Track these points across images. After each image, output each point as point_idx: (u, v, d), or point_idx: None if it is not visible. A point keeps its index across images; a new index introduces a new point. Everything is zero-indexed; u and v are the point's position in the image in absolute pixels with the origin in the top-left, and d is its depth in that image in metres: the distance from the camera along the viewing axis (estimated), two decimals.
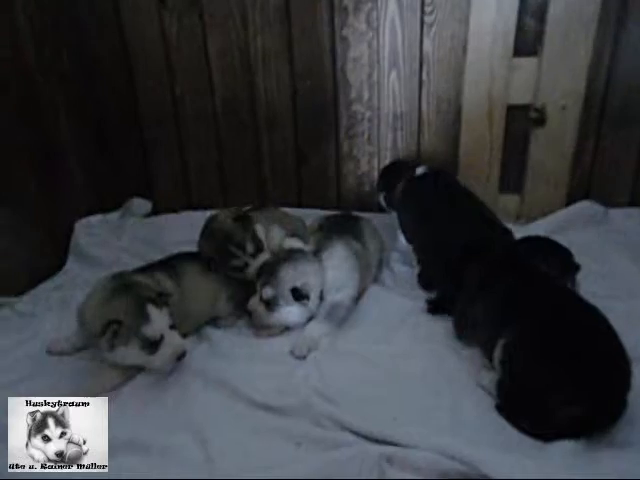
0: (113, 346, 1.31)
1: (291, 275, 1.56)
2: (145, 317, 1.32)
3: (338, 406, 1.27)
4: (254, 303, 1.59)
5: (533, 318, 1.26)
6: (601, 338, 1.18)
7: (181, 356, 1.38)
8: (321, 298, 1.62)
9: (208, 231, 1.71)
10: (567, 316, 1.23)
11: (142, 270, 1.56)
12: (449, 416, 1.25)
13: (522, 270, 1.42)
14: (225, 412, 1.30)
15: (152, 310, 1.33)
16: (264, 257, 1.66)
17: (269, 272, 1.58)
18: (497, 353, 1.26)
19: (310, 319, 1.62)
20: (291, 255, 1.63)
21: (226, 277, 1.68)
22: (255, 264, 1.65)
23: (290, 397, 1.30)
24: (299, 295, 1.56)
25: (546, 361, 1.16)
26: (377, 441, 1.16)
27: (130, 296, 1.35)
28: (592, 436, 1.11)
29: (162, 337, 1.34)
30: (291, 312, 1.58)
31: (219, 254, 1.65)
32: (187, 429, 1.24)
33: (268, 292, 1.56)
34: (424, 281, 1.81)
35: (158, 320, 1.34)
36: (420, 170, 1.96)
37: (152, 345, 1.33)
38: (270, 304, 1.56)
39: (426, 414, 1.26)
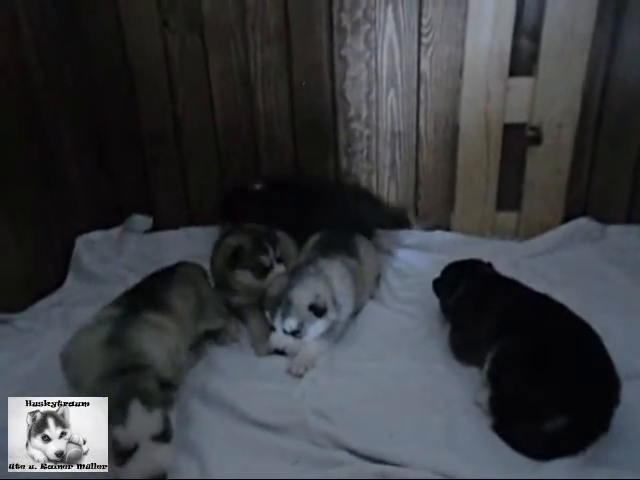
0: None
1: (304, 295, 1.54)
2: (121, 416, 1.06)
3: (334, 424, 1.27)
4: (279, 341, 1.56)
5: (519, 331, 1.28)
6: (588, 351, 1.20)
7: None
8: (335, 303, 1.60)
9: (238, 230, 1.79)
10: (553, 329, 1.25)
11: (124, 299, 1.45)
12: (445, 435, 1.25)
13: (512, 288, 1.46)
14: (222, 430, 1.30)
15: (135, 410, 1.07)
16: (280, 270, 1.69)
17: (282, 304, 1.54)
18: (486, 367, 1.28)
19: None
20: (293, 277, 1.60)
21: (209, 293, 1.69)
22: (275, 272, 1.69)
23: (287, 415, 1.31)
24: (319, 310, 1.54)
25: (531, 372, 1.18)
26: (373, 459, 1.16)
27: (119, 383, 1.11)
28: (586, 455, 1.11)
29: (136, 447, 1.06)
30: (318, 328, 1.56)
31: (252, 245, 1.69)
32: (184, 446, 1.24)
33: (292, 324, 1.53)
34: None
35: (138, 424, 1.07)
36: (258, 185, 2.18)
37: (121, 455, 1.06)
38: (298, 332, 1.54)
39: (422, 432, 1.26)
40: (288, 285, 1.57)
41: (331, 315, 1.58)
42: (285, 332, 1.55)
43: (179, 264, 1.69)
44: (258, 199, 2.17)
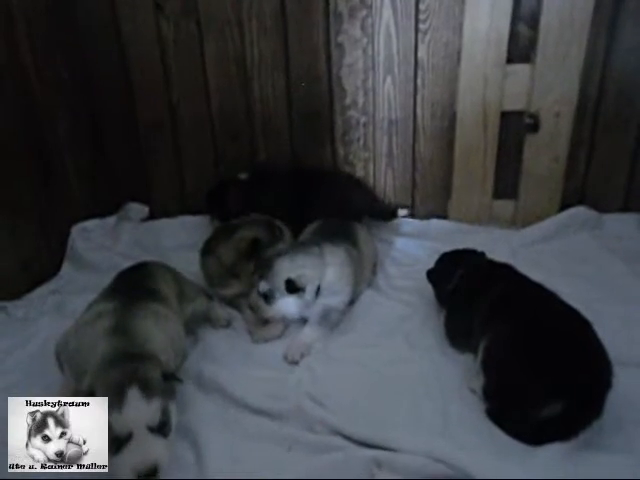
0: None
1: (286, 267, 1.57)
2: (118, 401, 1.04)
3: (329, 410, 1.27)
4: (254, 297, 1.61)
5: (511, 319, 1.28)
6: (579, 336, 1.20)
7: (147, 475, 1.02)
8: (317, 293, 1.61)
9: (246, 221, 1.86)
10: (544, 316, 1.26)
11: (113, 294, 1.41)
12: (440, 420, 1.25)
13: (506, 276, 1.46)
14: (217, 415, 1.30)
15: (133, 396, 1.05)
16: None
17: (265, 266, 1.59)
18: (479, 355, 1.28)
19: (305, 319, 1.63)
20: (290, 248, 1.66)
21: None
22: None
23: (282, 402, 1.31)
24: (293, 287, 1.56)
25: (523, 359, 1.18)
26: (368, 445, 1.17)
27: (121, 369, 1.10)
28: (580, 440, 1.12)
29: (130, 436, 1.04)
30: (288, 303, 1.59)
31: (268, 235, 1.76)
32: (179, 431, 1.23)
33: (263, 286, 1.58)
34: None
35: (134, 411, 1.04)
36: (243, 175, 2.21)
37: (114, 442, 1.03)
38: (267, 297, 1.58)
39: (417, 418, 1.26)
40: (280, 251, 1.63)
41: (307, 299, 1.59)
42: (258, 293, 1.59)
43: (143, 262, 1.64)
44: (244, 189, 2.17)
